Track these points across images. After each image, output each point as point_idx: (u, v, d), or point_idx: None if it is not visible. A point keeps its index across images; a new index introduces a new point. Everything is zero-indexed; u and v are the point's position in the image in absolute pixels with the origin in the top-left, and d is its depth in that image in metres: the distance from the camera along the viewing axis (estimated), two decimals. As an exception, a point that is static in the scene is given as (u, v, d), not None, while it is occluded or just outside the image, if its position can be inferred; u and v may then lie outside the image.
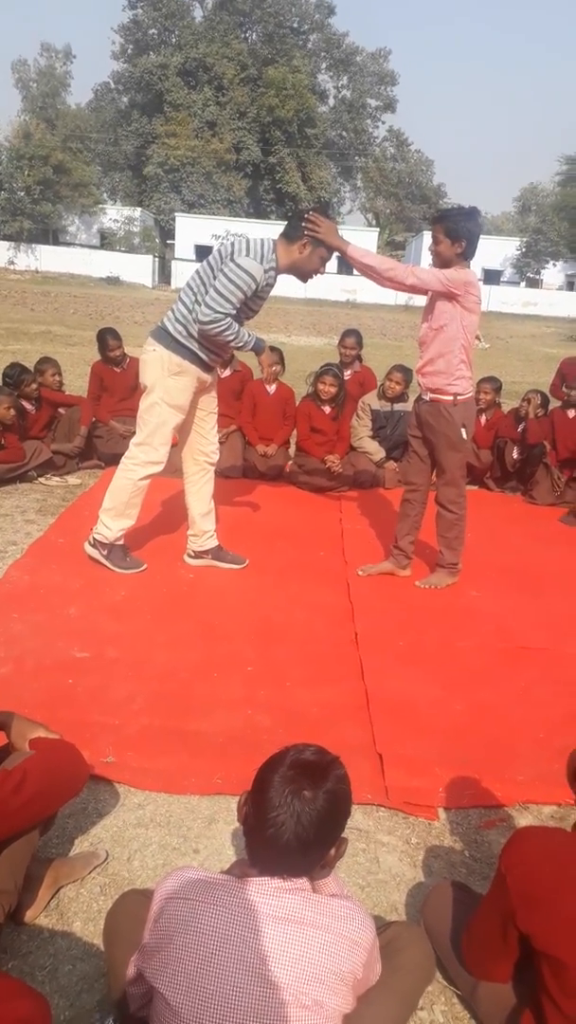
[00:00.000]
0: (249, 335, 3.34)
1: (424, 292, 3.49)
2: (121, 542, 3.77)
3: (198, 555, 3.98)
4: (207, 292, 3.22)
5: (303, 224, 3.25)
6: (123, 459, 3.68)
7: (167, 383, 3.44)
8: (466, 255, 3.40)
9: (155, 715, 2.58)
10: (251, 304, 3.35)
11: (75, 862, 1.93)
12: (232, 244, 3.28)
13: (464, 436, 3.63)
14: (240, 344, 3.33)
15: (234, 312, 3.22)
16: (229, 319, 3.21)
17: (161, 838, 2.06)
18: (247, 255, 3.20)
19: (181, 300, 3.38)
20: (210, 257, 3.33)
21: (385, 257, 3.56)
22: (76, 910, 1.82)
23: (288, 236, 3.32)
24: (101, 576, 3.69)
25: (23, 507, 4.70)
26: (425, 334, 3.57)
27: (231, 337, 3.26)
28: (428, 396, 3.64)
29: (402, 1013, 1.41)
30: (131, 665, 2.91)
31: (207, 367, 3.50)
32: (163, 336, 3.42)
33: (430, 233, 3.50)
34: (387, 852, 2.07)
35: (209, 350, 3.43)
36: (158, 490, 5.21)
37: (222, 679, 2.87)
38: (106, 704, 2.63)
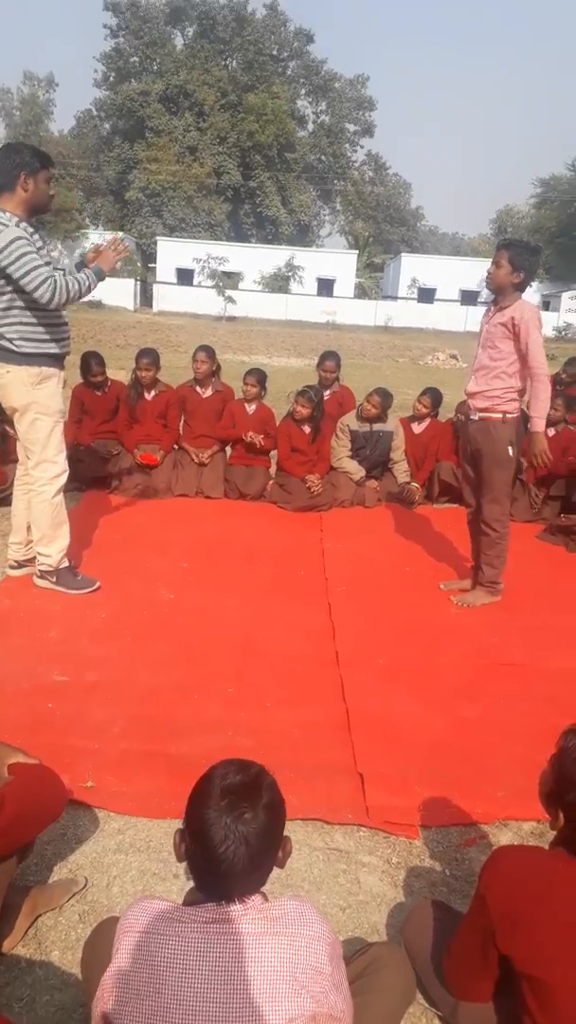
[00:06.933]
0: (83, 276, 3.35)
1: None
2: (66, 563, 3.75)
3: (22, 565, 3.92)
4: (10, 289, 3.22)
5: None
6: (29, 486, 3.64)
7: (36, 395, 3.43)
8: (520, 287, 3.54)
9: (135, 738, 2.57)
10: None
11: (54, 889, 1.90)
12: None
13: (511, 454, 3.73)
14: (88, 285, 3.35)
15: (51, 271, 3.22)
16: (53, 278, 3.21)
17: (141, 863, 2.04)
18: None
19: None
20: None
21: (541, 392, 3.61)
22: (54, 939, 1.80)
23: (5, 187, 3.22)
24: (81, 599, 3.67)
25: (4, 530, 4.67)
26: (484, 363, 3.67)
27: (76, 288, 3.28)
28: (477, 416, 3.74)
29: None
30: (111, 688, 2.89)
31: (60, 360, 3.52)
32: (10, 356, 3.37)
33: (493, 258, 3.59)
34: (368, 872, 2.07)
35: (52, 341, 3.42)
36: (133, 511, 5.22)
37: (202, 701, 2.86)
38: (85, 728, 2.61)
